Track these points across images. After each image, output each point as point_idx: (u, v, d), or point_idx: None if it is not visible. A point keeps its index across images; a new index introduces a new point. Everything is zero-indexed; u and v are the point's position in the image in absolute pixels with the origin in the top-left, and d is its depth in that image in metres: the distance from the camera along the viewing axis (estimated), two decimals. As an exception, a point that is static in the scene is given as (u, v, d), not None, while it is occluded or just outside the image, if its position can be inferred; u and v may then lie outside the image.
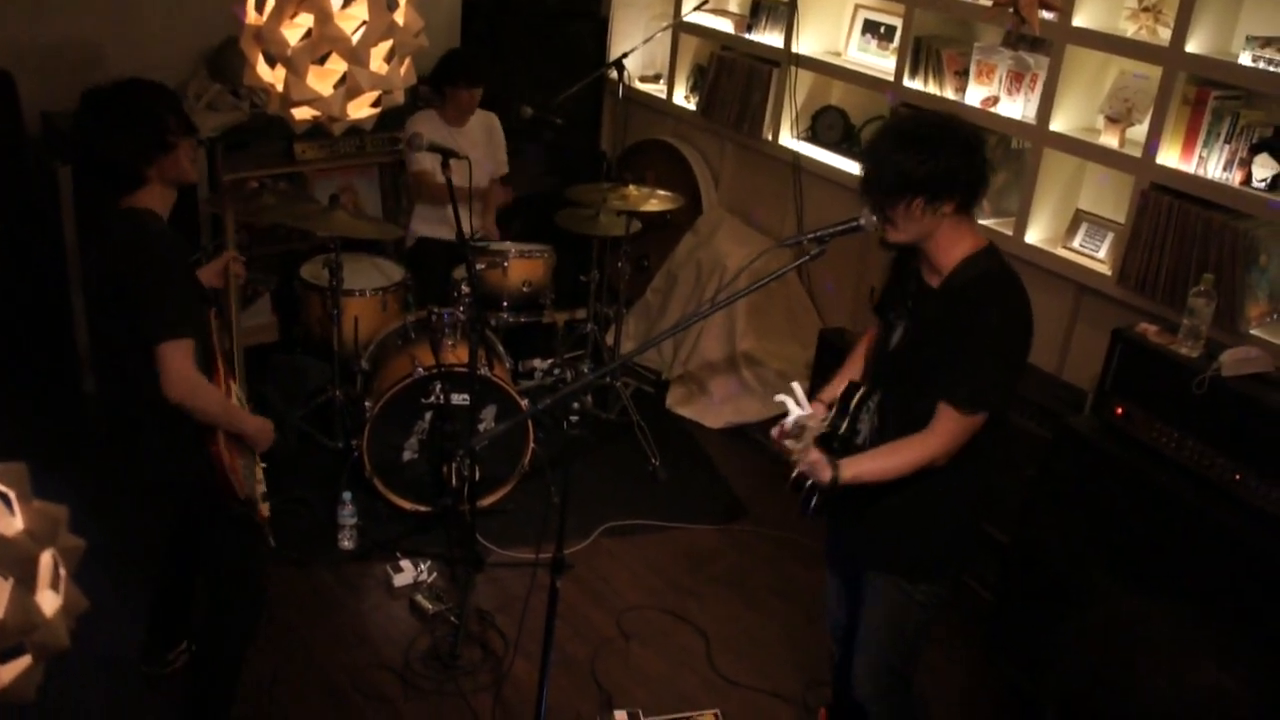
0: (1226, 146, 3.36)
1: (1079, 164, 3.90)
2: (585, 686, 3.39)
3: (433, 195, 4.60)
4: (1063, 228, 3.94)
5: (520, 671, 3.35)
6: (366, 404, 4.01)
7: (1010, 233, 3.95)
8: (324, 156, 5.03)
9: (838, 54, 4.79)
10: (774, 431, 2.52)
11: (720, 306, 2.67)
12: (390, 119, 3.83)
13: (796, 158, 4.82)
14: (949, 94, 4.17)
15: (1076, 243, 3.86)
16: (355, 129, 3.40)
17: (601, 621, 3.68)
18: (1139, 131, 3.59)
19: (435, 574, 3.79)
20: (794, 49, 4.71)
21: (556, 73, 4.97)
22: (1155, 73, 3.51)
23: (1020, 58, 3.93)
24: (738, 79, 4.99)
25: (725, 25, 5.11)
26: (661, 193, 4.57)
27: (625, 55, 4.80)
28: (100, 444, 3.49)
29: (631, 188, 4.51)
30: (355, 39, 2.69)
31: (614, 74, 4.78)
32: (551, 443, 4.34)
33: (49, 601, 1.32)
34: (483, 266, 4.27)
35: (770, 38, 4.88)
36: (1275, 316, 3.38)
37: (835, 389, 2.74)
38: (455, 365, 3.90)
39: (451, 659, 3.41)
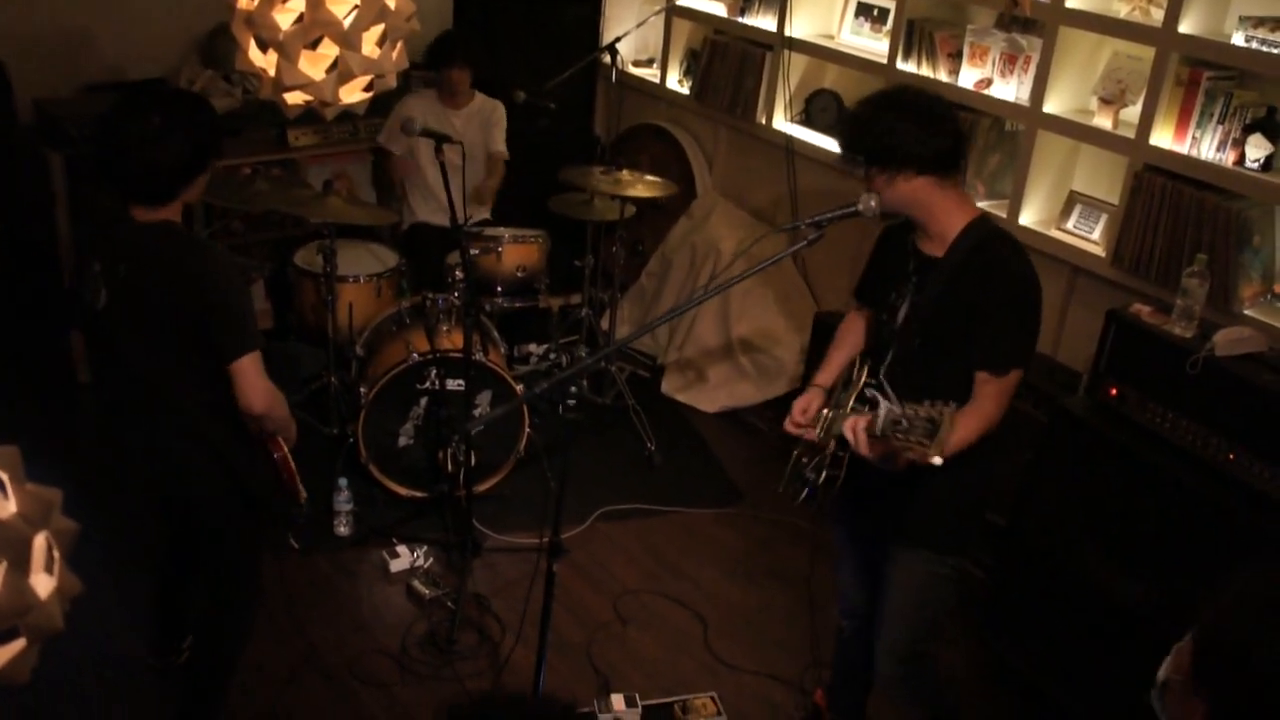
0: (1220, 127, 3.35)
1: (1073, 145, 3.89)
2: (582, 671, 3.40)
3: (391, 170, 4.77)
4: (1057, 209, 3.94)
5: (517, 656, 3.36)
6: (361, 390, 4.01)
7: (1004, 215, 3.94)
8: (317, 142, 5.02)
9: (831, 37, 4.78)
10: (792, 422, 2.54)
11: (716, 291, 2.67)
12: (383, 103, 3.82)
13: (790, 141, 4.81)
14: (942, 76, 4.16)
15: (1070, 224, 3.86)
16: (348, 114, 3.41)
17: (598, 606, 3.69)
18: (1132, 113, 3.59)
19: (431, 559, 3.80)
20: (787, 32, 4.70)
21: (550, 58, 4.95)
22: (1148, 53, 3.50)
23: (1013, 39, 3.92)
24: (731, 63, 4.97)
25: (719, 9, 5.10)
26: (655, 177, 4.57)
27: (619, 39, 4.80)
28: (94, 435, 3.46)
29: (625, 172, 4.51)
30: (347, 23, 2.69)
31: (607, 58, 4.78)
32: (547, 428, 4.34)
33: (43, 584, 1.32)
34: (477, 251, 4.27)
35: (763, 21, 4.87)
36: (1268, 296, 3.39)
37: (830, 374, 2.74)
38: (450, 351, 3.90)
39: (448, 644, 3.42)
